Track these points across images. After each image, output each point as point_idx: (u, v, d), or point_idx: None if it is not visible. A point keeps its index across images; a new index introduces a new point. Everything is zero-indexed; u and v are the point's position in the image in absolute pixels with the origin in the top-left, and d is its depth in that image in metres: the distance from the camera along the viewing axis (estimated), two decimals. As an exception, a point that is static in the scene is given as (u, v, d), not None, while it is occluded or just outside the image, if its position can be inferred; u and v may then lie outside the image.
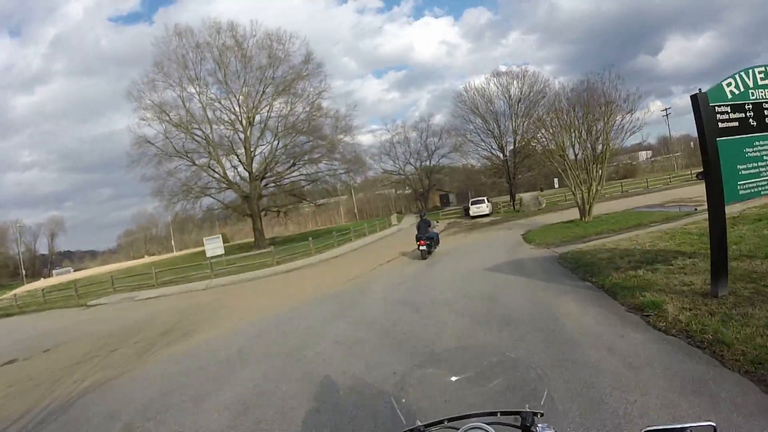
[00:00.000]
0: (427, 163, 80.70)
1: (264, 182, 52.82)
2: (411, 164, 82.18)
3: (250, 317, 12.94)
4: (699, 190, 35.41)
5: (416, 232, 20.04)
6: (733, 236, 11.55)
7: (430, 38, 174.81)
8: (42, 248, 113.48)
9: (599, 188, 22.80)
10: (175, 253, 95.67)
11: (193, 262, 38.91)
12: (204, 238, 35.61)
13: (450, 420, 1.72)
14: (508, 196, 58.36)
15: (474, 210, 45.00)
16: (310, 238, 33.86)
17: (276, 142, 51.71)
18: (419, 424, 1.70)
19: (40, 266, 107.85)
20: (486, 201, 46.84)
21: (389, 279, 15.32)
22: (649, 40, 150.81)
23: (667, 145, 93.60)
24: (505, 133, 55.98)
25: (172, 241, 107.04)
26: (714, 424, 1.34)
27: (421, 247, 19.18)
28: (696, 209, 20.89)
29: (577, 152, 22.80)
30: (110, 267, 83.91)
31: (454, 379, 2.21)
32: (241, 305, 15.96)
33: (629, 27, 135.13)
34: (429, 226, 20.31)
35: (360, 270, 19.26)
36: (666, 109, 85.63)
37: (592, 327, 6.85)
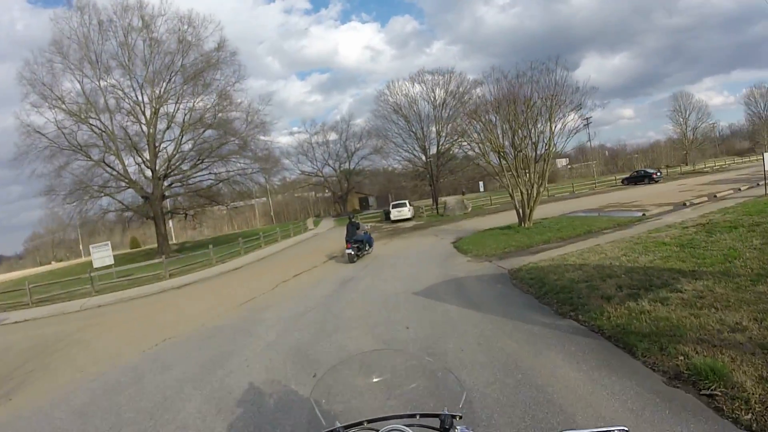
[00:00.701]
0: (347, 165, 77.29)
1: (169, 181, 47.08)
2: (330, 166, 78.35)
3: (97, 365, 9.25)
4: (630, 194, 35.92)
5: (344, 236, 19.69)
6: (722, 248, 9.45)
7: (356, 43, 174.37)
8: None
9: (541, 190, 20.16)
10: (84, 259, 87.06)
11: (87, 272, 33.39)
12: (90, 246, 30.34)
13: (370, 421, 1.73)
14: (431, 200, 56.22)
15: (395, 214, 41.91)
16: (210, 246, 29.39)
17: (181, 137, 46.10)
18: (338, 425, 1.73)
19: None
20: (408, 204, 44.04)
21: (291, 304, 11.63)
22: (568, 57, 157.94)
23: (585, 153, 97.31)
24: (428, 135, 53.96)
25: (80, 246, 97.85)
26: (626, 428, 1.34)
27: (347, 251, 18.80)
28: (644, 214, 18.96)
29: (518, 149, 20.00)
30: (14, 274, 74.70)
31: (374, 380, 2.17)
32: (100, 341, 12.06)
33: (549, 44, 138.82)
34: (358, 229, 19.79)
35: (260, 287, 15.50)
36: (587, 119, 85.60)
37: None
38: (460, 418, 1.68)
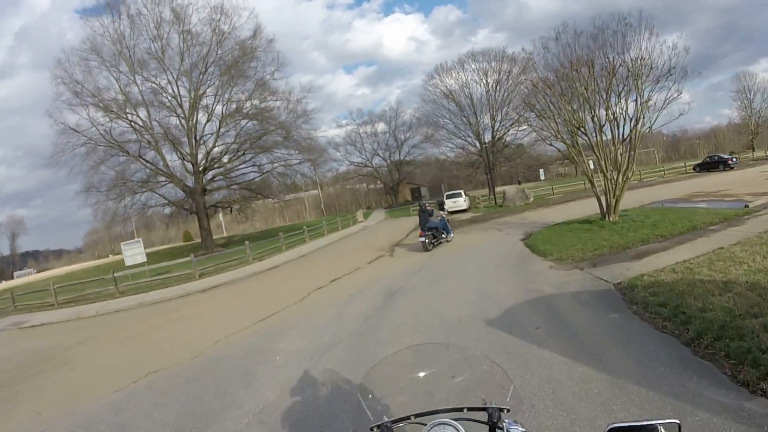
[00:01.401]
0: (397, 155, 74.41)
1: (211, 174, 45.54)
2: (380, 156, 75.69)
3: (56, 406, 7.39)
4: (710, 182, 31.38)
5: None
6: None
7: (400, 34, 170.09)
8: (4, 249, 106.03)
9: (630, 175, 16.59)
10: None
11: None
12: (122, 243, 28.67)
13: (417, 416, 1.74)
14: (487, 190, 52.81)
15: (450, 205, 38.49)
16: (247, 243, 27.06)
17: (219, 128, 44.28)
18: (386, 420, 1.74)
19: (3, 267, 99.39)
20: (463, 194, 40.50)
21: (316, 329, 8.80)
22: (618, 38, 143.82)
23: (644, 138, 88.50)
24: (482, 121, 50.83)
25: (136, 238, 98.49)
26: (678, 421, 1.35)
27: (420, 239, 18.04)
28: (747, 205, 15.44)
29: (601, 124, 16.45)
30: (74, 267, 77.41)
31: (421, 374, 2.11)
32: (85, 366, 9.96)
33: (595, 27, 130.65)
34: (431, 216, 18.81)
35: (289, 295, 12.81)
36: (646, 101, 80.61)
37: None
38: (508, 411, 1.69)
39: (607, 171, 16.38)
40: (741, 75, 76.16)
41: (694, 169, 47.15)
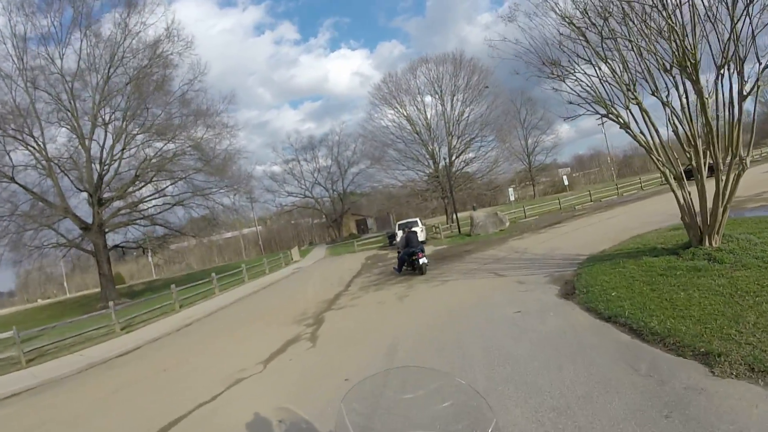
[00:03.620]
0: (340, 184, 66.82)
1: (112, 208, 36.16)
2: (321, 185, 67.86)
3: None
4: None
5: (405, 248, 16.98)
6: None
7: (345, 69, 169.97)
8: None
9: (742, 171, 9.31)
10: (68, 296, 76.13)
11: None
12: None
13: None
14: (444, 217, 45.81)
15: (404, 237, 31.04)
16: (112, 305, 18.49)
17: (113, 146, 35.25)
18: None
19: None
20: (419, 223, 32.94)
21: None
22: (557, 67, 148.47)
23: (596, 158, 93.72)
24: (438, 136, 44.31)
25: (65, 283, 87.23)
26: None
27: (421, 260, 16.22)
28: None
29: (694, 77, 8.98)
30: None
31: (406, 397, 2.17)
32: None
33: (536, 57, 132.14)
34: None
35: None
36: (602, 116, 79.56)
37: None
38: None
39: (719, 157, 9.28)
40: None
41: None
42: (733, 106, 8.79)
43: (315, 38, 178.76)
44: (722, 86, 8.88)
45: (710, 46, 8.87)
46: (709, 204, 9.59)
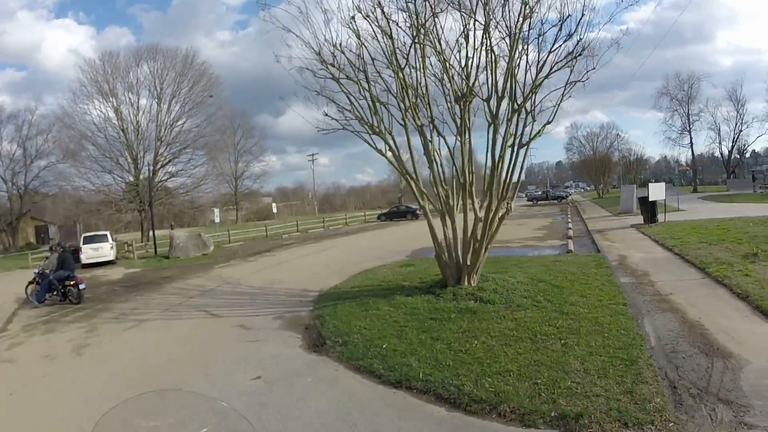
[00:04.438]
0: (23, 177, 52.41)
1: None
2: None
3: None
4: (420, 231, 26.14)
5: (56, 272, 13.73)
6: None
7: (63, 43, 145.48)
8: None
9: (508, 206, 9.54)
10: None
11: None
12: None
13: None
14: (140, 233, 40.67)
15: (90, 253, 25.54)
16: None
17: None
18: None
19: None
20: (109, 238, 27.26)
21: None
22: (275, 104, 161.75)
23: (298, 192, 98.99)
24: (146, 141, 39.47)
25: None
26: None
27: (81, 285, 13.62)
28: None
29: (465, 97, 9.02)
30: None
31: (165, 422, 2.10)
32: None
33: (260, 88, 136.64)
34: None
35: None
36: (313, 154, 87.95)
37: None
38: None
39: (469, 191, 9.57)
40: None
41: (378, 218, 48.40)
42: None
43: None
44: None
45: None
46: (480, 239, 9.70)
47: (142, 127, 39.49)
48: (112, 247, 26.67)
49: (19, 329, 11.39)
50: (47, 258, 14.87)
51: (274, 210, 61.50)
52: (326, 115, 10.73)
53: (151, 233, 32.38)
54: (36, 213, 57.86)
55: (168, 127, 39.74)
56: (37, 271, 14.58)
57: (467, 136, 9.85)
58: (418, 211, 44.33)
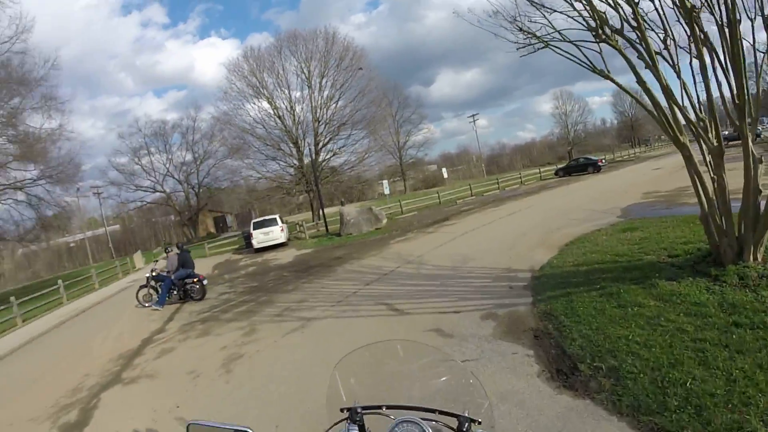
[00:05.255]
0: (195, 176, 57.19)
1: None
2: (173, 177, 57.69)
3: None
4: (615, 184, 23.34)
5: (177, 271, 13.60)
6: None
7: (213, 59, 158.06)
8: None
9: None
10: None
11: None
12: None
13: (389, 407, 1.70)
14: (310, 213, 40.52)
15: (260, 238, 25.53)
16: None
17: None
18: (357, 404, 1.70)
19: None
20: (279, 221, 26.99)
21: None
22: (423, 74, 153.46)
23: (463, 156, 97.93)
24: (304, 122, 39.24)
25: None
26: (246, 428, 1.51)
27: (204, 281, 13.63)
28: None
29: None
30: None
31: (400, 369, 2.02)
32: None
33: (404, 62, 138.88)
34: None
35: None
36: (473, 116, 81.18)
37: None
38: (479, 423, 1.62)
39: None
40: (559, 93, 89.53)
41: (556, 173, 42.70)
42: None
43: (184, 23, 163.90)
44: None
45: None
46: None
47: (296, 110, 39.32)
48: (282, 230, 26.11)
49: (176, 330, 10.15)
50: (156, 261, 14.37)
51: (445, 175, 59.08)
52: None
53: (321, 212, 31.37)
54: (213, 206, 63.66)
55: (322, 108, 39.23)
56: (151, 274, 14.10)
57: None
58: (599, 162, 39.34)
